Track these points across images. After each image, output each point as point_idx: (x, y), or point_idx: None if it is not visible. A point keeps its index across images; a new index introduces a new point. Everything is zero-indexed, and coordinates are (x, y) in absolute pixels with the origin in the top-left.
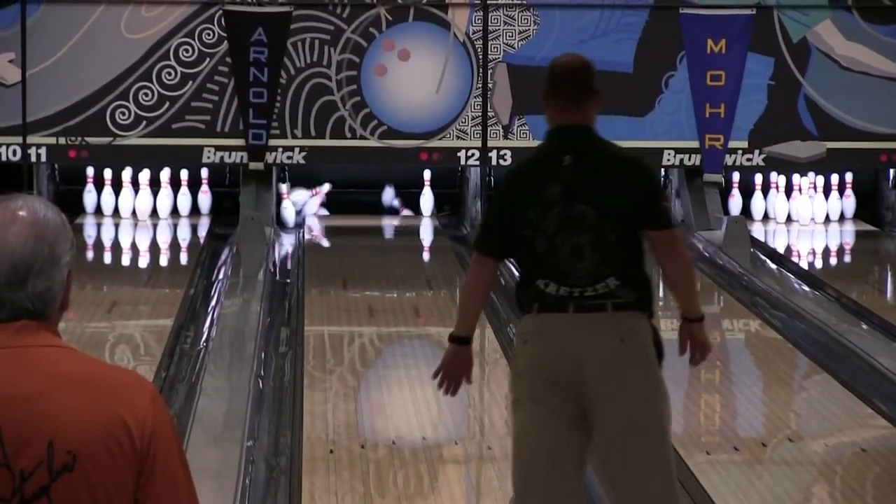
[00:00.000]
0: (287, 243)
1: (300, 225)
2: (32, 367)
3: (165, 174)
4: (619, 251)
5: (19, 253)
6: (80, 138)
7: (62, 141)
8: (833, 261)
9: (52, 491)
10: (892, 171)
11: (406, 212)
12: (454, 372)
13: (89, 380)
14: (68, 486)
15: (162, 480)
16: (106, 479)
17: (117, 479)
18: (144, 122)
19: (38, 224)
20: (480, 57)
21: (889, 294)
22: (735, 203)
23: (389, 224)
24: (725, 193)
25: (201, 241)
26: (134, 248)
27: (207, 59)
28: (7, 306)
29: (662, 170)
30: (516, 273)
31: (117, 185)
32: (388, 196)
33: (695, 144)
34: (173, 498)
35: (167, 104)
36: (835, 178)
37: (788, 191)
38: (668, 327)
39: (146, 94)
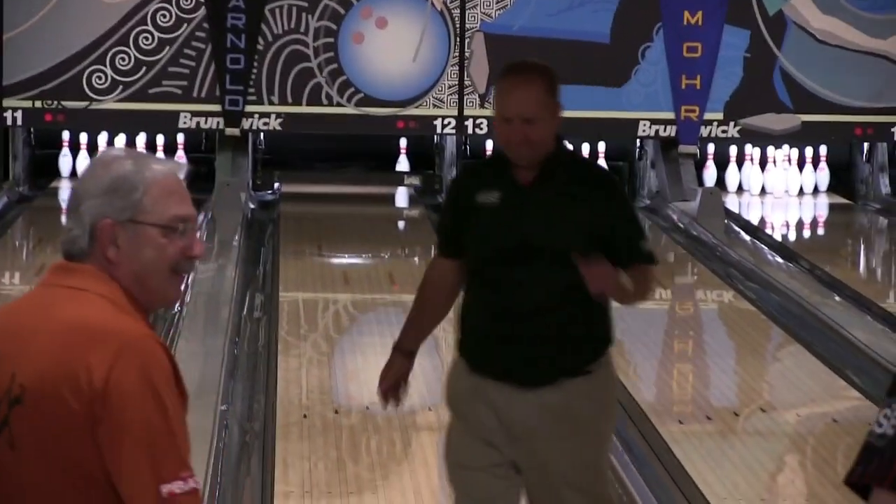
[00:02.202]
0: (262, 209)
1: (275, 192)
2: (41, 306)
3: (141, 139)
4: None
5: (72, 189)
6: (56, 102)
7: (38, 105)
8: (807, 233)
9: (10, 421)
10: (866, 144)
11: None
12: None
13: (74, 325)
14: (20, 419)
15: (115, 430)
16: (52, 421)
17: (66, 424)
18: (121, 87)
19: (97, 165)
20: (458, 26)
21: (862, 267)
22: (710, 175)
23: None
24: (700, 165)
25: None
26: None
27: (185, 25)
28: (63, 239)
29: (638, 141)
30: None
31: (93, 150)
32: (403, 167)
33: (670, 116)
34: (130, 450)
35: (144, 69)
36: (809, 151)
37: (763, 163)
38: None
39: (123, 59)
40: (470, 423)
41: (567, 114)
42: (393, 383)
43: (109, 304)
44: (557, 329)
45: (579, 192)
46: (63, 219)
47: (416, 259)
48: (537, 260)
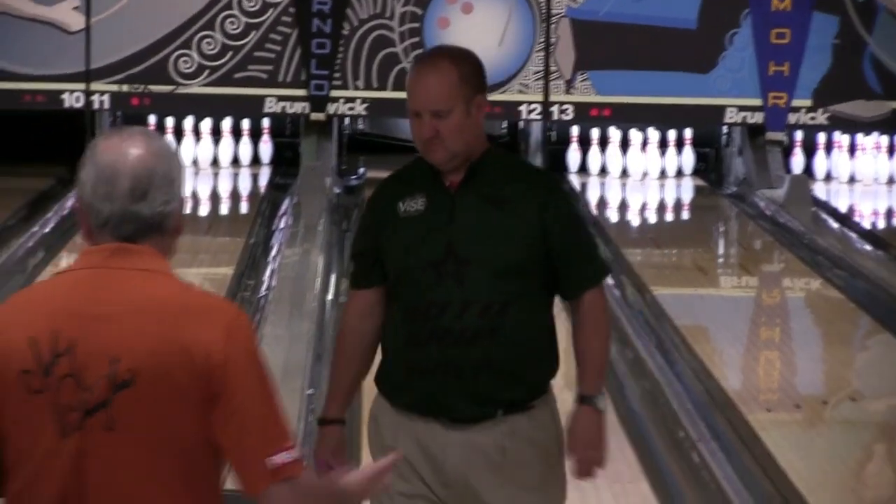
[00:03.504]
0: (347, 194)
1: (360, 176)
2: (117, 289)
3: (227, 123)
4: None
5: (139, 168)
6: (143, 86)
7: (125, 88)
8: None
9: (111, 405)
10: None
11: None
12: None
13: (165, 305)
14: (127, 402)
15: (229, 407)
16: (163, 400)
17: (175, 402)
18: (207, 71)
19: (153, 144)
20: (544, 11)
21: None
22: (797, 162)
23: None
24: (788, 152)
25: (262, 190)
26: (195, 197)
27: (271, 10)
28: (131, 220)
29: (725, 127)
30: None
31: (179, 134)
32: None
33: (758, 102)
34: (241, 425)
35: (230, 53)
36: None
37: (852, 150)
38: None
39: (209, 43)
40: (399, 463)
41: (654, 100)
42: (328, 458)
43: (178, 281)
44: (494, 355)
45: (511, 195)
46: None
47: None
48: (469, 275)
